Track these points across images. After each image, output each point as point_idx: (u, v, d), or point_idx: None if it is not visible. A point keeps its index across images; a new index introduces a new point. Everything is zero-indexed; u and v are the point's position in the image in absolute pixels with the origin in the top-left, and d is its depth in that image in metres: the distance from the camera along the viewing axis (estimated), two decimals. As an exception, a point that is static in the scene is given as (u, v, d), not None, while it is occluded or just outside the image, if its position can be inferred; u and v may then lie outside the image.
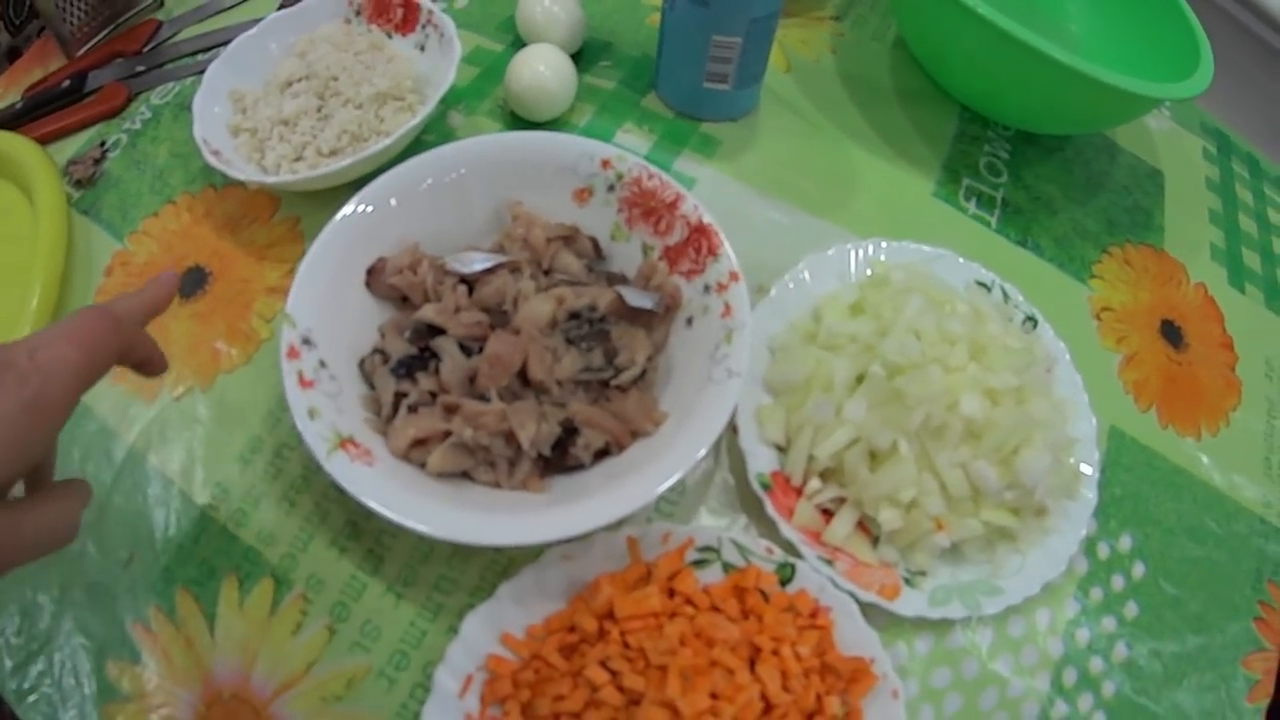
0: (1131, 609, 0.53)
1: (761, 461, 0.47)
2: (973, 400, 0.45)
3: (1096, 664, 0.51)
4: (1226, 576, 0.56)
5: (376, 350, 0.46)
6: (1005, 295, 0.55)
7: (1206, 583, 0.56)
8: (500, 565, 0.45)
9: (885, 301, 0.50)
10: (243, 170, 0.54)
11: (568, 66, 0.60)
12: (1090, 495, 0.51)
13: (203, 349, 0.52)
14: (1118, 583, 0.53)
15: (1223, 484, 0.58)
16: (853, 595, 0.45)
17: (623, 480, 0.41)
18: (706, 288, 0.47)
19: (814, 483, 0.47)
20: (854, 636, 0.44)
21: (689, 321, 0.48)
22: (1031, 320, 0.55)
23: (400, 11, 0.62)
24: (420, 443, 0.43)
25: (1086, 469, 0.52)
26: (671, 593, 0.44)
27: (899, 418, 0.45)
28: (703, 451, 0.40)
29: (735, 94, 0.61)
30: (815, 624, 0.44)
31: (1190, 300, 0.64)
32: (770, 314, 0.51)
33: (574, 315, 0.46)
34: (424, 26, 0.61)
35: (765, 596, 0.44)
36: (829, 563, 0.45)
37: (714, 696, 0.40)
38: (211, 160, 0.54)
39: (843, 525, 0.46)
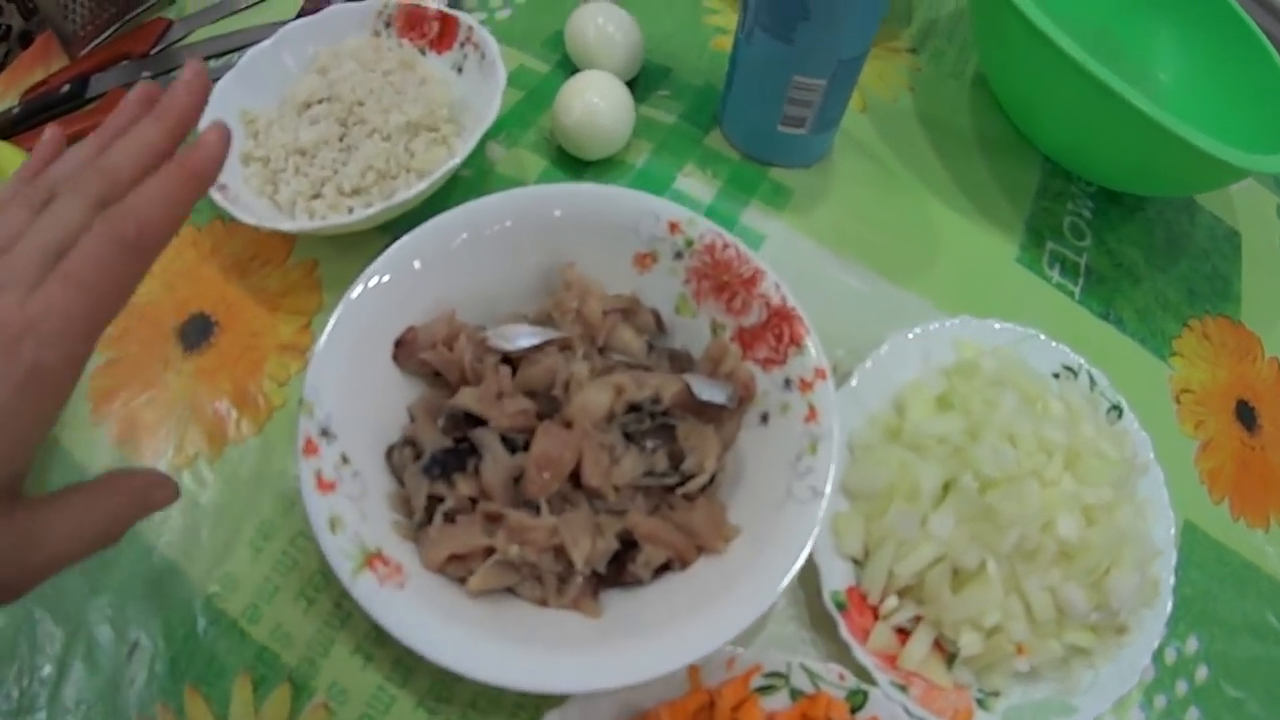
0: (1194, 715, 0.51)
1: (837, 578, 0.45)
2: (1070, 521, 0.42)
3: None
4: None
5: (407, 441, 0.41)
6: (1092, 381, 0.52)
7: (1269, 682, 0.54)
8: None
9: (975, 394, 0.47)
10: (252, 209, 0.49)
11: (624, 98, 0.54)
12: (1167, 603, 0.49)
13: (207, 412, 0.47)
14: (1181, 688, 0.52)
15: None
16: None
17: (689, 615, 0.38)
18: (788, 382, 0.43)
19: (891, 601, 0.45)
20: None
21: (764, 418, 0.44)
22: (1117, 409, 0.52)
23: (436, 26, 0.56)
24: (458, 557, 0.39)
25: (1165, 575, 0.49)
26: None
27: (989, 536, 0.43)
28: (783, 585, 0.37)
29: (811, 139, 0.57)
30: None
31: (1264, 377, 0.62)
32: (849, 404, 0.48)
33: (634, 407, 0.42)
34: (463, 44, 0.55)
35: None
36: (903, 689, 0.43)
37: None
38: (217, 198, 0.48)
39: (919, 648, 0.44)
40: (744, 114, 0.58)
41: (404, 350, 0.43)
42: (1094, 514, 0.45)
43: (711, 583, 0.40)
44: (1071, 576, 0.44)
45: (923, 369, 0.50)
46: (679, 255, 0.45)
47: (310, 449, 0.38)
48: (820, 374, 0.42)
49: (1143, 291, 0.61)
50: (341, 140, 0.52)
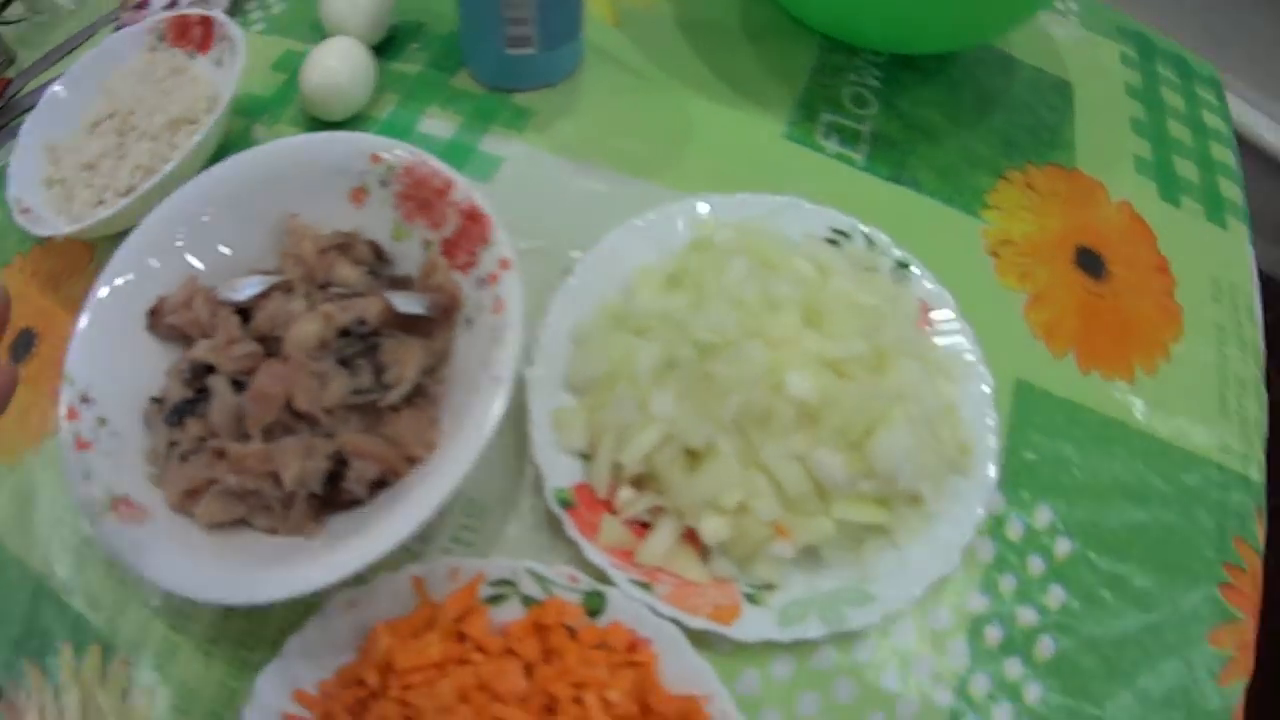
0: (1057, 595, 0.45)
1: (561, 475, 0.41)
2: (801, 378, 0.37)
3: (1014, 668, 0.43)
4: (1181, 540, 0.49)
5: (156, 398, 0.44)
6: (869, 241, 0.47)
7: (1155, 551, 0.48)
8: (296, 616, 0.41)
9: (708, 269, 0.42)
10: (50, 225, 0.52)
11: (363, 58, 0.56)
12: (988, 468, 0.43)
13: (34, 414, 0.50)
14: (1036, 566, 0.45)
15: (1167, 431, 0.50)
16: (677, 622, 0.38)
17: (392, 515, 0.37)
18: (480, 281, 0.42)
19: (625, 493, 0.41)
20: (682, 671, 0.38)
21: (469, 322, 0.43)
22: (904, 266, 0.47)
23: (199, 30, 0.59)
24: (193, 494, 0.41)
25: (985, 437, 0.43)
26: (464, 636, 0.38)
27: (714, 408, 0.38)
28: (457, 477, 0.36)
29: (546, 57, 0.56)
30: (632, 661, 0.38)
31: (1111, 222, 0.56)
32: (574, 300, 0.45)
33: (345, 332, 0.42)
34: (220, 41, 0.58)
35: (572, 633, 0.38)
36: (646, 587, 0.39)
37: None
38: (20, 220, 0.51)
39: (661, 540, 0.39)
40: (476, 46, 0.57)
41: (155, 319, 0.45)
42: (845, 368, 0.40)
43: (414, 490, 0.39)
44: (822, 441, 0.39)
45: (660, 254, 0.46)
46: (385, 184, 0.46)
47: (72, 415, 0.41)
48: (504, 264, 0.41)
49: (944, 150, 0.57)
50: (119, 149, 0.55)
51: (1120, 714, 0.45)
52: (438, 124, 0.57)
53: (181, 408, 0.42)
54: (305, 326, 0.42)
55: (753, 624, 0.39)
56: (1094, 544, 0.47)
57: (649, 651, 0.38)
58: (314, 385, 0.41)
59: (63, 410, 0.41)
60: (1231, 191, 0.63)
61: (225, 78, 0.55)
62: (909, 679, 0.42)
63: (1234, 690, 0.47)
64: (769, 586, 0.40)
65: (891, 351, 0.42)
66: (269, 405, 0.41)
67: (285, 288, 0.45)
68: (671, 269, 0.45)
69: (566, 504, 0.40)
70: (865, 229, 0.49)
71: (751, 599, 0.40)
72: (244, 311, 0.44)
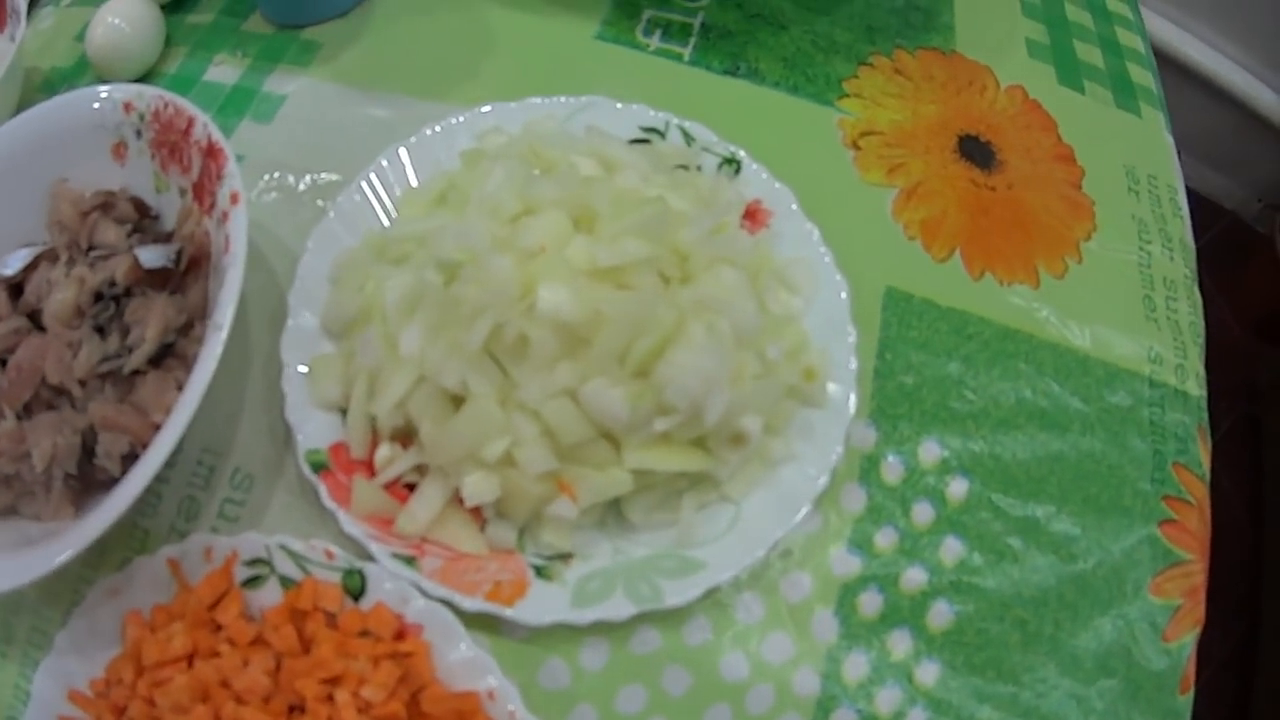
0: (953, 548, 0.39)
1: (314, 434, 0.37)
2: (555, 292, 0.30)
3: (900, 642, 0.37)
4: (1108, 472, 0.43)
5: None
6: (689, 138, 0.40)
7: (1077, 488, 0.42)
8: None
9: (475, 183, 0.36)
10: None
11: (149, 12, 0.55)
12: (845, 394, 0.36)
13: None
14: (923, 514, 0.39)
15: (1083, 342, 0.44)
16: (450, 604, 0.33)
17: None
18: (218, 222, 0.40)
19: (383, 450, 0.36)
20: (459, 662, 0.33)
21: (216, 270, 0.41)
22: (732, 163, 0.40)
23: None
24: None
25: (845, 358, 0.37)
26: (219, 625, 0.36)
27: (464, 340, 0.31)
28: (166, 443, 0.33)
29: None
30: (399, 651, 0.33)
31: (1001, 108, 0.51)
32: (334, 236, 0.40)
33: (99, 296, 0.42)
34: (10, 15, 0.56)
35: (332, 619, 0.35)
36: (410, 562, 0.33)
37: None
38: None
39: (423, 505, 0.34)
40: None
41: None
42: (630, 280, 0.33)
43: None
44: (594, 370, 0.31)
45: (435, 174, 0.39)
46: (139, 134, 0.45)
47: None
48: (234, 199, 0.39)
49: (791, 38, 0.51)
50: None
51: (1044, 690, 0.38)
52: (224, 71, 0.54)
53: None
54: (60, 294, 0.42)
55: (541, 604, 0.33)
56: (997, 483, 0.41)
57: (419, 640, 0.33)
58: (66, 355, 0.40)
59: None
60: (1143, 78, 0.58)
61: (11, 51, 0.54)
62: (759, 664, 0.35)
63: (1183, 645, 0.41)
64: (563, 557, 0.34)
65: (696, 256, 0.35)
66: (25, 382, 0.40)
67: (51, 257, 0.44)
68: (440, 187, 0.39)
69: (321, 467, 0.35)
70: (683, 124, 0.42)
71: (541, 573, 0.33)
72: (17, 287, 0.44)
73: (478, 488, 0.32)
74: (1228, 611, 1.23)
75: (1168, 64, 1.23)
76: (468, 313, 0.32)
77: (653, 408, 0.32)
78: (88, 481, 0.39)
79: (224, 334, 0.34)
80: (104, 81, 0.54)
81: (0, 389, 0.41)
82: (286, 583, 0.36)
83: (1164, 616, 0.40)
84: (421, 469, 0.35)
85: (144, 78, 0.55)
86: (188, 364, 0.40)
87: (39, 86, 0.56)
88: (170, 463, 0.37)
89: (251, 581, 0.36)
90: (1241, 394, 1.27)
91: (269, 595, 0.36)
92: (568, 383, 0.32)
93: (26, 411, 0.40)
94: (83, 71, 0.57)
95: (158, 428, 0.37)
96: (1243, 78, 1.25)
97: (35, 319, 0.43)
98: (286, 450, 0.39)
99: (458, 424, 0.32)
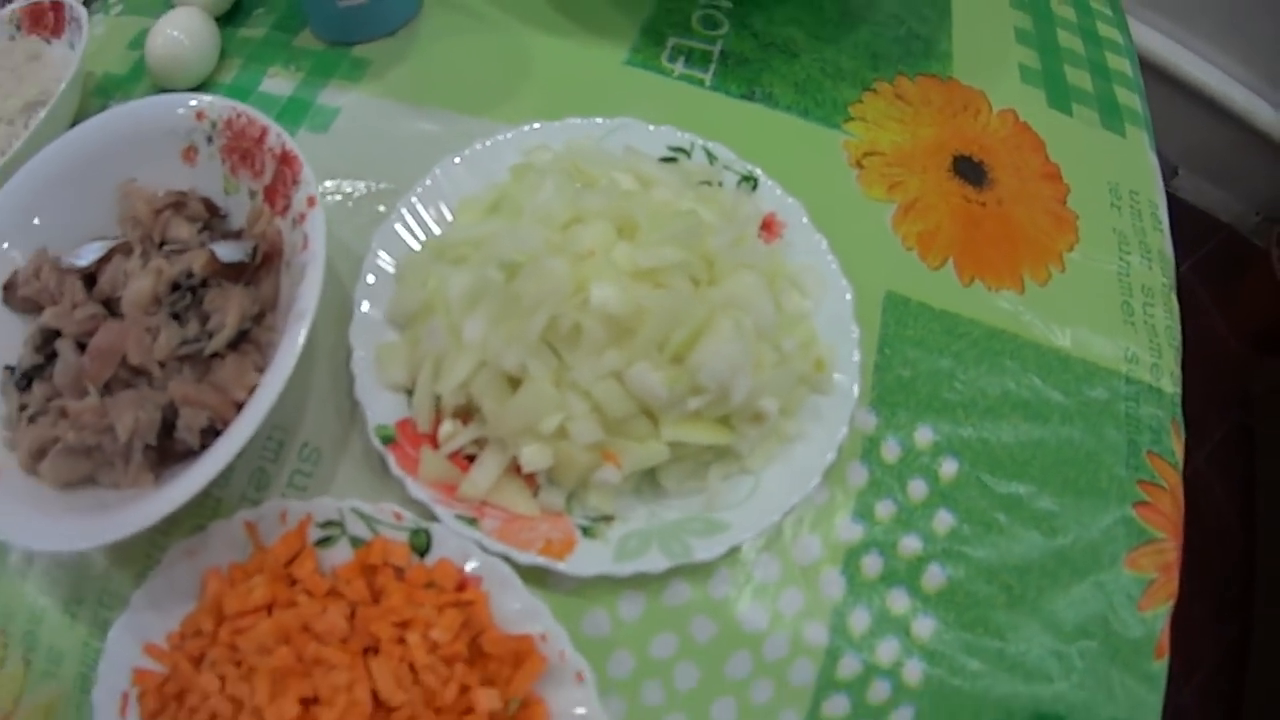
0: (944, 520, 0.44)
1: (383, 411, 0.41)
2: (606, 289, 0.37)
3: (898, 600, 0.42)
4: (1086, 458, 0.49)
5: (7, 366, 0.47)
6: (711, 156, 0.46)
7: (1057, 471, 0.48)
8: (147, 570, 0.42)
9: (526, 194, 0.42)
10: None
11: (206, 25, 0.60)
12: (849, 383, 0.42)
13: None
14: (917, 490, 0.45)
15: (1064, 343, 0.50)
16: (507, 558, 0.38)
17: (203, 460, 0.38)
18: (294, 222, 0.44)
19: (447, 426, 0.41)
20: (515, 610, 0.38)
21: (289, 266, 0.45)
22: (750, 180, 0.46)
23: (52, 16, 0.62)
24: (40, 453, 0.43)
25: (850, 352, 0.43)
26: (294, 580, 0.40)
27: (522, 329, 0.37)
28: (246, 429, 0.37)
29: (379, 7, 0.58)
30: (461, 600, 0.38)
31: (993, 131, 0.57)
32: (397, 238, 0.46)
33: (175, 286, 0.46)
34: (70, 23, 0.61)
35: (399, 573, 0.39)
36: (471, 522, 0.39)
37: (314, 701, 0.35)
38: None
39: (484, 473, 0.39)
40: (313, 1, 0.58)
41: (9, 292, 0.48)
42: (665, 280, 0.39)
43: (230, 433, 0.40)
44: (638, 356, 0.37)
45: (485, 185, 0.45)
46: (210, 139, 0.49)
47: None
48: (310, 202, 0.43)
49: (801, 65, 0.57)
50: None
51: (1028, 646, 0.43)
52: (278, 83, 0.58)
53: (30, 372, 0.45)
54: (138, 283, 0.45)
55: (588, 558, 0.38)
56: (985, 464, 0.46)
57: (478, 590, 0.38)
58: (146, 339, 0.44)
59: None
60: (1129, 99, 0.63)
61: (76, 58, 0.58)
62: (776, 616, 0.40)
63: (1157, 616, 0.46)
64: (606, 519, 0.39)
65: (722, 261, 0.41)
66: (106, 362, 0.43)
67: (125, 250, 0.48)
68: (493, 197, 0.45)
69: (389, 440, 0.40)
70: (706, 144, 0.48)
71: (587, 532, 0.39)
72: (91, 277, 0.48)
73: (534, 457, 0.38)
74: (1220, 616, 1.28)
75: (1168, 80, 1.29)
76: (527, 306, 0.38)
77: (687, 389, 0.38)
78: (165, 454, 0.42)
79: (309, 319, 0.38)
80: (162, 90, 0.59)
81: (82, 368, 0.44)
82: (356, 542, 0.40)
83: (1138, 589, 0.45)
84: (480, 442, 0.40)
85: (200, 87, 0.59)
86: (262, 350, 0.44)
87: (93, 91, 0.61)
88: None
89: (323, 542, 0.40)
90: (1235, 403, 1.32)
91: (340, 554, 0.40)
92: (615, 366, 0.38)
93: (107, 390, 0.43)
94: (138, 78, 0.61)
95: (238, 405, 0.42)
96: (1241, 94, 1.30)
97: (109, 305, 0.46)
98: (352, 427, 0.44)
99: (517, 401, 0.38)
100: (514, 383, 0.39)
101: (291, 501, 0.41)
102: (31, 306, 0.48)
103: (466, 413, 0.41)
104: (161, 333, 0.44)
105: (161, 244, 0.48)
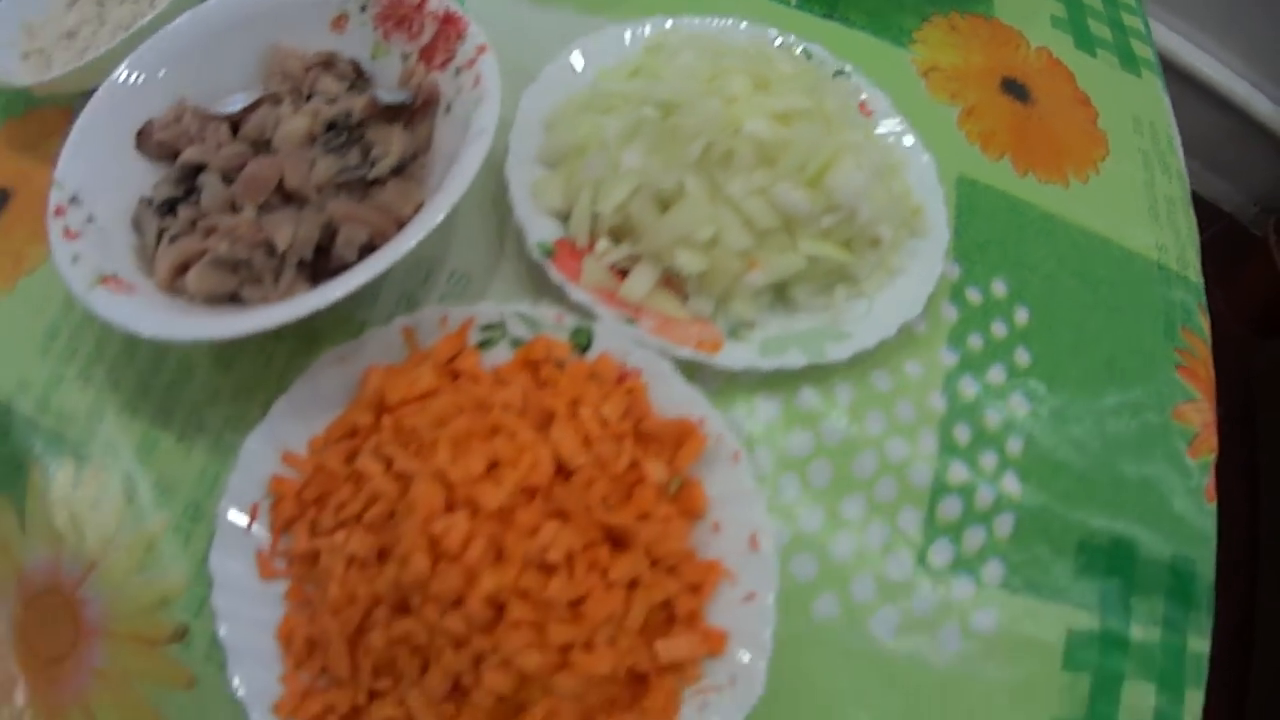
0: (1023, 357, 0.51)
1: (541, 231, 0.46)
2: (758, 121, 0.43)
3: (993, 418, 0.48)
4: (1132, 323, 0.56)
5: (143, 198, 0.48)
6: (808, 53, 0.53)
7: (1110, 329, 0.55)
8: (281, 389, 0.44)
9: (664, 63, 0.49)
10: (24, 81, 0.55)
11: None
12: (941, 230, 0.48)
13: (5, 260, 0.54)
14: (999, 330, 0.51)
15: (1105, 229, 0.57)
16: (664, 353, 0.42)
17: (368, 262, 0.41)
18: (458, 70, 0.48)
19: (603, 243, 0.46)
20: (673, 398, 0.42)
21: (448, 109, 0.49)
22: (842, 73, 0.53)
23: None
24: (183, 269, 0.44)
25: (936, 205, 0.50)
26: (456, 374, 0.42)
27: (679, 155, 0.43)
28: (430, 221, 0.40)
29: None
30: (623, 388, 0.42)
31: (1032, 62, 0.65)
32: (541, 97, 0.51)
33: (331, 126, 0.48)
34: None
35: (561, 366, 0.42)
36: (631, 321, 0.41)
37: (495, 464, 0.37)
38: None
39: (641, 280, 0.44)
40: None
41: (144, 138, 0.49)
42: (791, 119, 0.45)
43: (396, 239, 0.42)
44: (781, 176, 0.44)
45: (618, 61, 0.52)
46: (364, 8, 0.52)
47: (59, 211, 0.44)
48: (481, 49, 0.47)
49: None
50: (99, 16, 0.59)
51: (1099, 470, 0.49)
52: None
53: (172, 199, 0.47)
54: (294, 122, 0.47)
55: (736, 353, 0.44)
56: (1050, 317, 0.54)
57: (638, 382, 0.42)
58: (303, 166, 0.46)
59: (51, 208, 0.44)
60: (1144, 51, 0.73)
61: None
62: (893, 422, 0.46)
63: (1204, 464, 0.52)
64: (747, 325, 0.45)
65: (838, 119, 0.48)
66: (261, 187, 0.45)
67: (273, 100, 0.50)
68: (634, 64, 0.52)
69: (549, 253, 0.45)
70: (808, 45, 0.55)
71: (733, 334, 0.44)
72: (235, 125, 0.50)
73: (690, 261, 0.44)
74: (1224, 604, 1.26)
75: (1172, 71, 1.31)
76: (686, 135, 0.44)
77: (823, 206, 0.44)
78: (318, 273, 0.44)
79: (488, 137, 0.42)
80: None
81: (234, 193, 0.46)
82: (517, 344, 0.43)
83: (1186, 439, 0.52)
84: (632, 259, 0.46)
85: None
86: (417, 184, 0.47)
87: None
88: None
89: (484, 344, 0.43)
90: (1239, 384, 1.34)
91: (500, 355, 0.43)
92: (763, 184, 0.44)
93: (262, 211, 0.45)
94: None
95: (400, 223, 0.44)
96: (1243, 87, 1.38)
97: (254, 148, 0.48)
98: (500, 255, 0.49)
99: (674, 215, 0.44)
100: (664, 206, 0.45)
101: (451, 307, 0.44)
102: (166, 151, 0.49)
103: (620, 234, 0.46)
104: (319, 162, 0.46)
105: (309, 97, 0.51)
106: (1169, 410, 0.53)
